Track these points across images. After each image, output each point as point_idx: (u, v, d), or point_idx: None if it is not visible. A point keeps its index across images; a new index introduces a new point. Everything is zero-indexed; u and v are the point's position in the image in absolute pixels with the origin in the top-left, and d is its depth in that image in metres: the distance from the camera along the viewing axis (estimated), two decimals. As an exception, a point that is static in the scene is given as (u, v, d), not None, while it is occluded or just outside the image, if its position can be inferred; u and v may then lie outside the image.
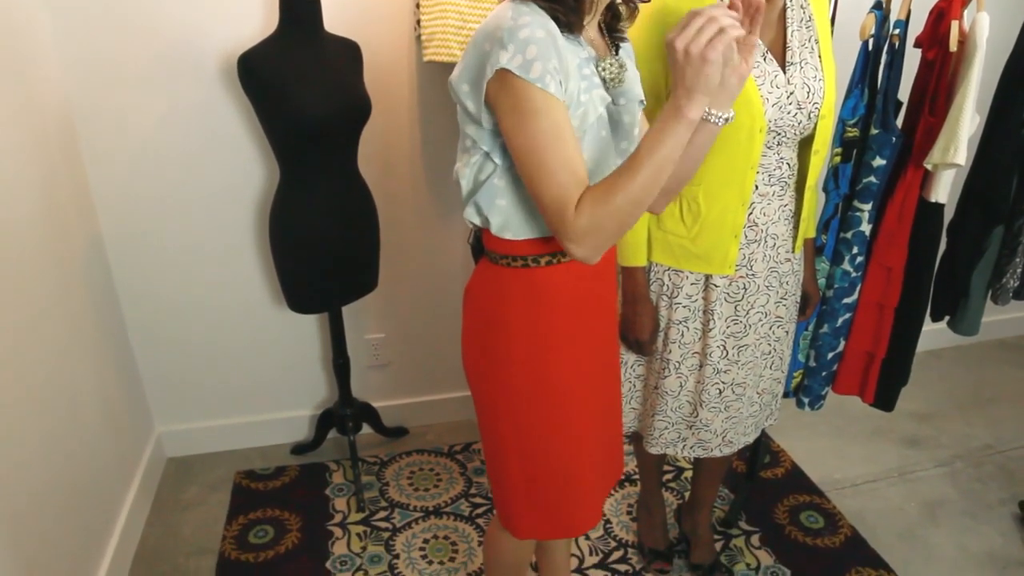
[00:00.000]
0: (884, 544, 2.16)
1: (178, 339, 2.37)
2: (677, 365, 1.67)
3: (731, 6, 1.05)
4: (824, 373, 2.05)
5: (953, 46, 1.65)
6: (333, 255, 2.05)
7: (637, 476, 2.35)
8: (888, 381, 2.02)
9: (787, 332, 1.72)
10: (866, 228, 1.87)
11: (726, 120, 1.08)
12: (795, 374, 2.09)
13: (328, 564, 2.08)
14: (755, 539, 2.18)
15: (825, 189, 1.89)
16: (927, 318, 2.00)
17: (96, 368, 2.03)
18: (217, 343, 2.41)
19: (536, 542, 1.65)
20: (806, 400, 2.10)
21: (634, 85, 1.23)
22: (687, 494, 2.21)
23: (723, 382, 1.67)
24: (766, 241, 1.57)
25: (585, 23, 1.14)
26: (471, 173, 1.21)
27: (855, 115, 1.79)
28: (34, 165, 1.77)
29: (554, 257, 1.24)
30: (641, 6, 1.33)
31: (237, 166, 2.19)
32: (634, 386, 1.77)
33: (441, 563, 2.09)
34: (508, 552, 1.57)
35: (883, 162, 1.79)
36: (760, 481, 2.39)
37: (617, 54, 1.22)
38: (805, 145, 1.58)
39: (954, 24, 1.64)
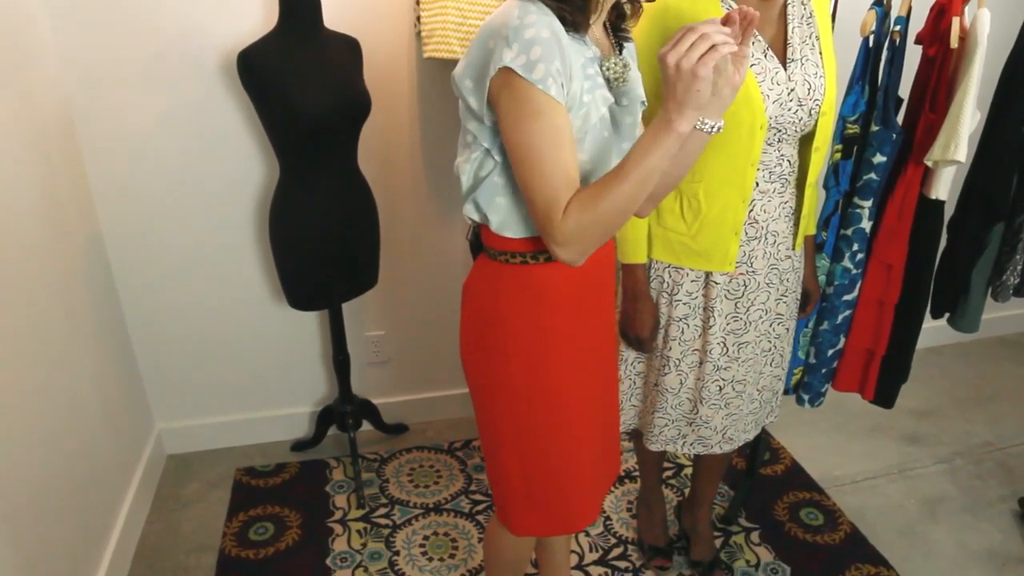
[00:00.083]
0: (884, 541, 2.16)
1: (178, 336, 2.37)
2: (677, 362, 1.67)
3: (726, 21, 1.05)
4: (824, 370, 2.05)
5: (954, 43, 1.65)
6: (333, 252, 2.05)
7: (637, 473, 2.35)
8: (888, 378, 2.02)
9: (787, 329, 1.72)
10: (866, 225, 1.87)
11: (716, 129, 1.09)
12: (795, 371, 2.09)
13: (328, 561, 2.08)
14: (755, 536, 2.18)
15: (825, 186, 1.88)
16: (927, 315, 2.00)
17: (96, 365, 2.03)
18: (217, 340, 2.41)
19: (536, 539, 1.65)
20: (806, 397, 2.10)
21: (636, 86, 1.23)
22: (687, 491, 2.21)
23: (723, 379, 1.67)
24: (766, 238, 1.57)
25: (592, 22, 1.14)
26: (471, 169, 1.21)
27: (856, 112, 1.79)
28: (34, 163, 1.76)
29: None
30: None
31: (237, 163, 2.19)
32: (634, 383, 1.78)
33: (441, 560, 2.09)
34: (508, 549, 1.58)
35: (883, 159, 1.78)
36: (760, 478, 2.39)
37: (621, 54, 1.22)
38: (806, 142, 1.57)
39: (955, 20, 1.64)
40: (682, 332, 1.64)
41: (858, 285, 1.94)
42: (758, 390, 1.73)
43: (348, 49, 1.99)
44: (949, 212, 1.90)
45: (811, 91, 1.48)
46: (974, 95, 1.64)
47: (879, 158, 1.79)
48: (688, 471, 2.43)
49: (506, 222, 1.21)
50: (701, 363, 1.66)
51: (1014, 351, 3.22)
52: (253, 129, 2.16)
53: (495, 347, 1.29)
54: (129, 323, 2.31)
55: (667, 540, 2.11)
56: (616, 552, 2.12)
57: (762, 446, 2.34)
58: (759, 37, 1.45)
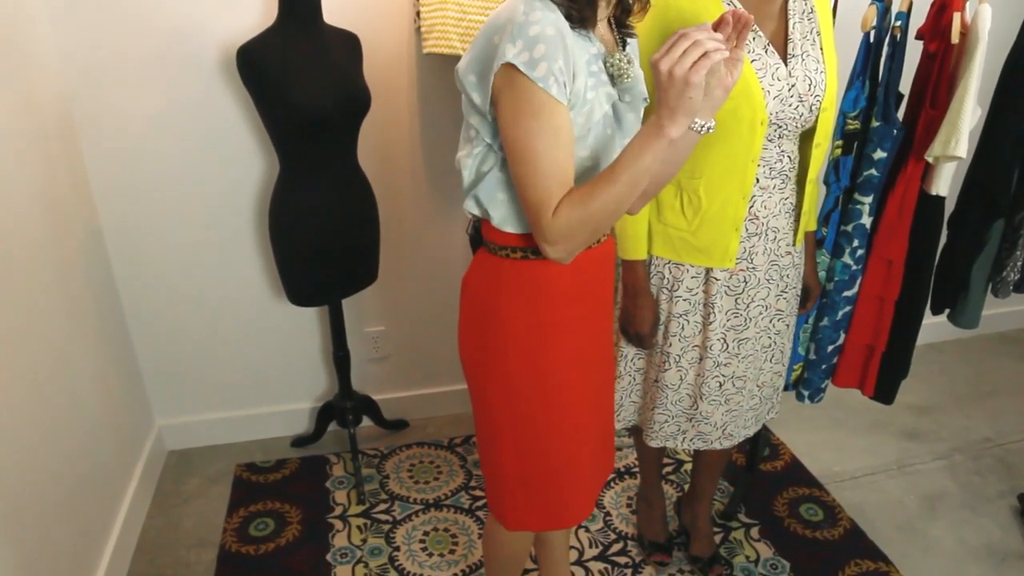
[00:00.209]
0: (883, 537, 2.16)
1: (178, 332, 2.37)
2: (677, 358, 1.67)
3: (719, 23, 1.05)
4: (824, 366, 2.05)
5: (955, 38, 1.64)
6: (333, 248, 2.05)
7: (637, 469, 2.36)
8: (888, 374, 2.02)
9: (787, 325, 1.72)
10: (867, 221, 1.87)
11: (707, 129, 1.10)
12: (795, 367, 2.10)
13: (328, 556, 2.08)
14: (754, 531, 2.19)
15: (826, 182, 1.88)
16: (927, 311, 2.00)
17: (96, 362, 2.03)
18: (217, 336, 2.41)
19: (535, 534, 1.65)
20: (806, 393, 2.11)
21: (639, 82, 1.23)
22: (687, 487, 2.22)
23: (723, 375, 1.67)
24: (767, 234, 1.57)
25: (598, 18, 1.14)
26: (473, 164, 1.21)
27: (856, 107, 1.79)
28: (34, 161, 1.76)
29: None
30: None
31: (237, 159, 2.19)
32: (634, 379, 1.78)
33: (441, 555, 2.09)
34: (506, 544, 1.58)
35: (884, 155, 1.78)
36: (760, 474, 2.40)
37: (624, 50, 1.22)
38: (806, 138, 1.57)
39: (956, 16, 1.63)
40: (682, 328, 1.64)
41: (858, 281, 1.94)
42: (758, 386, 1.73)
43: (348, 45, 1.99)
44: (949, 208, 1.90)
45: (812, 87, 1.48)
46: (975, 91, 1.64)
47: (879, 154, 1.78)
48: (688, 467, 2.44)
49: (507, 217, 1.21)
50: (701, 359, 1.66)
51: (1014, 347, 3.22)
52: (253, 125, 2.15)
53: (494, 341, 1.30)
54: (129, 319, 2.31)
55: (667, 536, 2.11)
56: (616, 548, 2.13)
57: (762, 442, 2.35)
58: (760, 32, 1.45)
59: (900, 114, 1.80)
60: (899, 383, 2.04)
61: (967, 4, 1.67)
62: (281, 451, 2.53)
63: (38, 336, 1.70)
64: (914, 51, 1.77)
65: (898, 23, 1.72)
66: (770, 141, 1.49)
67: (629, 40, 1.25)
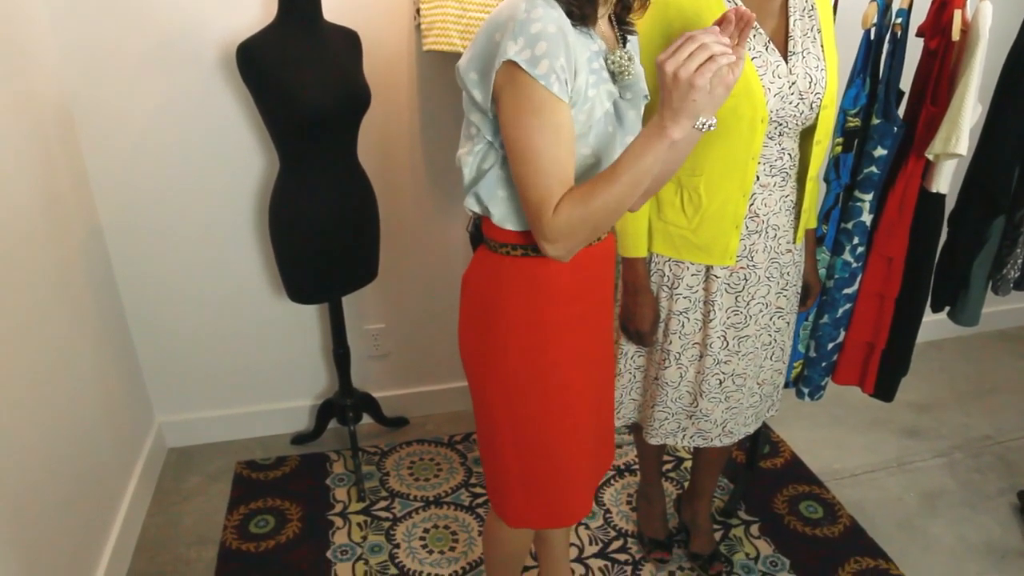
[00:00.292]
0: (883, 534, 2.16)
1: (178, 330, 2.37)
2: (677, 356, 1.67)
3: (720, 23, 1.05)
4: (824, 363, 2.05)
5: (956, 35, 1.64)
6: (333, 245, 2.05)
7: (637, 466, 2.36)
8: (888, 371, 2.02)
9: (788, 323, 1.72)
10: (867, 218, 1.87)
11: (709, 127, 1.10)
12: (795, 364, 2.10)
13: (329, 553, 2.09)
14: (754, 529, 2.19)
15: (826, 179, 1.88)
16: (927, 309, 2.00)
17: (96, 359, 2.03)
18: (217, 333, 2.41)
19: (535, 532, 1.65)
20: (806, 390, 2.11)
21: (640, 79, 1.23)
22: (687, 484, 2.22)
23: (723, 373, 1.67)
24: (767, 232, 1.57)
25: (599, 15, 1.14)
26: (474, 161, 1.21)
27: (857, 105, 1.79)
28: (33, 157, 1.76)
29: None
30: None
31: (236, 156, 2.19)
32: (634, 377, 1.78)
33: (441, 552, 2.09)
34: (506, 542, 1.58)
35: (884, 152, 1.78)
36: (760, 471, 2.40)
37: (625, 47, 1.22)
38: (806, 135, 1.57)
39: (957, 13, 1.63)
40: (682, 326, 1.64)
41: (858, 278, 1.94)
42: (758, 384, 1.73)
43: (348, 42, 1.99)
44: (950, 206, 1.90)
45: (812, 84, 1.48)
46: (975, 88, 1.64)
47: (880, 151, 1.78)
48: (688, 464, 2.44)
49: (508, 215, 1.21)
50: (701, 357, 1.66)
51: (1014, 345, 3.22)
52: (253, 122, 2.15)
53: (494, 339, 1.30)
54: (129, 317, 2.31)
55: (667, 533, 2.11)
56: (616, 545, 2.13)
57: (762, 439, 2.35)
58: (760, 30, 1.44)
59: (900, 111, 1.80)
60: (899, 380, 2.04)
61: (968, 1, 1.66)
62: (281, 448, 2.53)
63: (38, 334, 1.70)
64: (915, 48, 1.77)
65: (899, 20, 1.72)
66: (770, 139, 1.49)
67: (629, 37, 1.25)
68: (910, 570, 2.04)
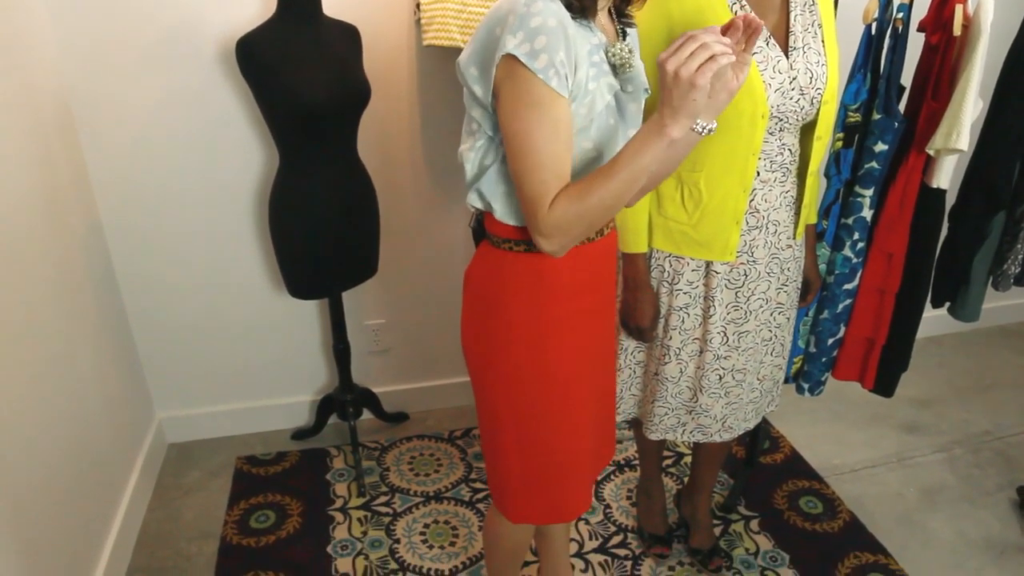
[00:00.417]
0: (882, 529, 2.17)
1: (178, 325, 2.37)
2: (677, 351, 1.67)
3: (727, 29, 1.05)
4: (824, 359, 2.05)
5: (957, 30, 1.64)
6: (333, 241, 2.05)
7: (637, 461, 2.36)
8: (888, 367, 2.02)
9: (788, 318, 1.72)
10: (867, 214, 1.87)
11: (709, 131, 1.10)
12: (795, 360, 2.09)
13: (329, 549, 2.09)
14: (754, 524, 2.19)
15: (826, 174, 1.88)
16: (928, 304, 2.00)
17: (97, 355, 2.03)
18: (217, 329, 2.41)
19: (535, 527, 1.66)
20: (806, 386, 2.11)
21: (641, 72, 1.23)
22: (687, 479, 2.22)
23: (723, 368, 1.67)
24: (767, 227, 1.57)
25: (599, 8, 1.14)
26: (476, 157, 1.21)
27: (857, 100, 1.78)
28: (32, 151, 1.76)
29: None
30: None
31: (236, 152, 2.18)
32: (634, 372, 1.78)
33: (442, 548, 2.10)
34: (506, 537, 1.58)
35: (885, 147, 1.78)
36: (759, 466, 2.40)
37: (625, 39, 1.22)
38: (807, 131, 1.57)
39: (958, 8, 1.63)
40: (682, 321, 1.64)
41: (859, 274, 1.94)
42: (758, 379, 1.73)
43: (347, 37, 1.98)
44: (950, 201, 1.90)
45: (813, 80, 1.47)
46: (977, 83, 1.63)
47: (881, 146, 1.78)
48: (688, 460, 2.44)
49: (510, 210, 1.21)
50: (701, 352, 1.66)
51: (1014, 340, 3.22)
52: (252, 117, 2.15)
53: (496, 334, 1.29)
54: (129, 312, 2.31)
55: (667, 528, 2.11)
56: (616, 540, 2.13)
57: (762, 435, 2.35)
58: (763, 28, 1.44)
59: (901, 106, 1.80)
60: (899, 376, 2.04)
61: (969, -4, 1.66)
62: (281, 444, 2.54)
63: (38, 330, 1.70)
64: (916, 43, 1.76)
65: (900, 15, 1.71)
66: (771, 134, 1.49)
67: (629, 30, 1.25)
68: (909, 565, 2.04)
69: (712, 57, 0.97)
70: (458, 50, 1.94)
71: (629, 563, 2.05)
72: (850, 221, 1.88)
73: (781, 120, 1.47)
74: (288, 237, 2.03)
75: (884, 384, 2.05)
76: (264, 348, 2.47)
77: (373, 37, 2.10)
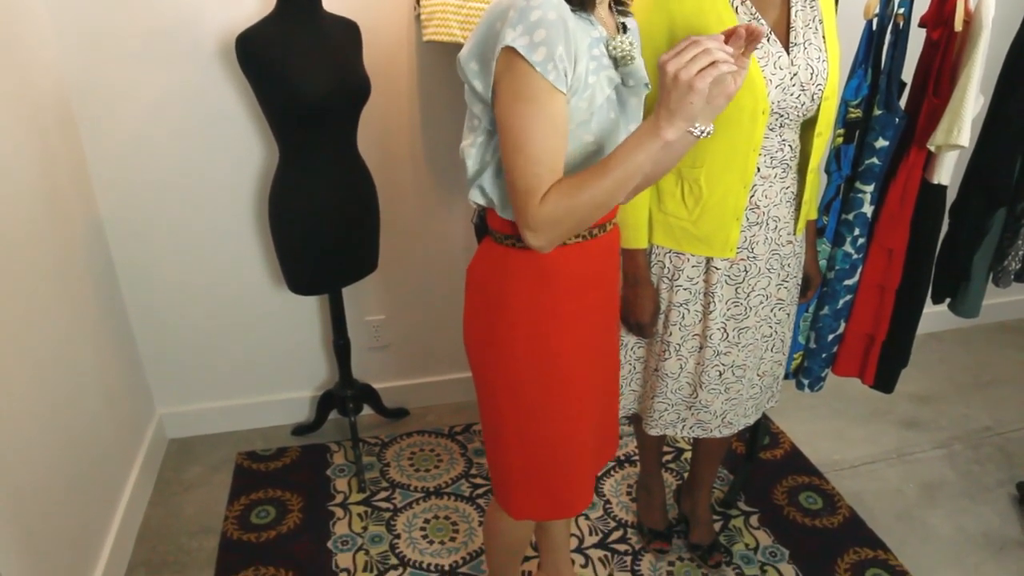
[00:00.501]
0: (882, 525, 2.17)
1: (178, 321, 2.37)
2: (677, 347, 1.67)
3: (730, 36, 1.05)
4: (824, 355, 2.05)
5: (958, 26, 1.63)
6: (333, 236, 2.05)
7: (637, 457, 2.36)
8: (888, 363, 2.02)
9: (788, 314, 1.72)
10: (868, 210, 1.86)
11: (705, 134, 1.10)
12: (795, 356, 2.10)
13: (330, 544, 2.09)
14: (754, 519, 2.19)
15: (827, 170, 1.88)
16: (928, 300, 2.00)
17: (97, 350, 2.03)
18: (218, 325, 2.41)
19: (536, 522, 1.66)
20: (806, 382, 2.11)
21: (641, 67, 1.23)
22: (686, 475, 2.22)
23: (723, 364, 1.67)
24: (768, 224, 1.57)
25: (599, 1, 1.14)
26: (477, 153, 1.20)
27: (858, 96, 1.78)
28: (31, 146, 1.76)
29: None
30: None
31: (236, 147, 2.18)
32: (634, 368, 1.78)
33: (442, 543, 2.10)
34: (507, 532, 1.59)
35: (886, 143, 1.77)
36: (759, 462, 2.40)
37: (625, 32, 1.21)
38: (807, 127, 1.56)
39: (960, 3, 1.62)
40: (682, 317, 1.64)
41: (859, 270, 1.93)
42: (758, 375, 1.73)
43: (347, 32, 1.98)
44: (951, 197, 1.89)
45: (814, 76, 1.47)
46: (978, 79, 1.63)
47: (881, 142, 1.78)
48: (688, 455, 2.44)
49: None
50: (701, 348, 1.66)
51: (1014, 337, 3.22)
52: (252, 113, 2.15)
53: (499, 331, 1.29)
54: (129, 308, 2.31)
55: (666, 524, 2.12)
56: (616, 535, 2.13)
57: (761, 430, 2.35)
58: (762, 20, 1.44)
59: (902, 102, 1.79)
60: (899, 372, 2.04)
61: (971, -9, 1.65)
62: (282, 439, 2.54)
63: (39, 326, 1.70)
64: (917, 39, 1.76)
65: (901, 11, 1.71)
66: (771, 130, 1.49)
67: (629, 24, 1.24)
68: (909, 561, 2.05)
69: (713, 63, 0.98)
70: (458, 46, 1.93)
71: (629, 558, 2.06)
72: (851, 217, 1.88)
73: (782, 116, 1.47)
74: (288, 233, 2.03)
75: (884, 380, 2.05)
76: (264, 344, 2.48)
77: (373, 33, 2.09)
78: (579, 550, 2.08)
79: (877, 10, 1.73)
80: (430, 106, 2.26)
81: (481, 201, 1.25)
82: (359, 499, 2.26)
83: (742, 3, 1.42)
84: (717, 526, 2.16)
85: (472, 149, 1.21)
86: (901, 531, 2.16)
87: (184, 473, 2.38)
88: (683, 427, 1.77)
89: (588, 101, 1.12)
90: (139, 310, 2.32)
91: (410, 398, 2.68)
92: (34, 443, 1.62)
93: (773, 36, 1.44)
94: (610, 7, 1.22)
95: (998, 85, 1.85)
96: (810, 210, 1.69)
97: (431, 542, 2.10)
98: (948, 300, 2.09)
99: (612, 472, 2.38)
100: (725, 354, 1.66)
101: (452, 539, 2.11)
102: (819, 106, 1.51)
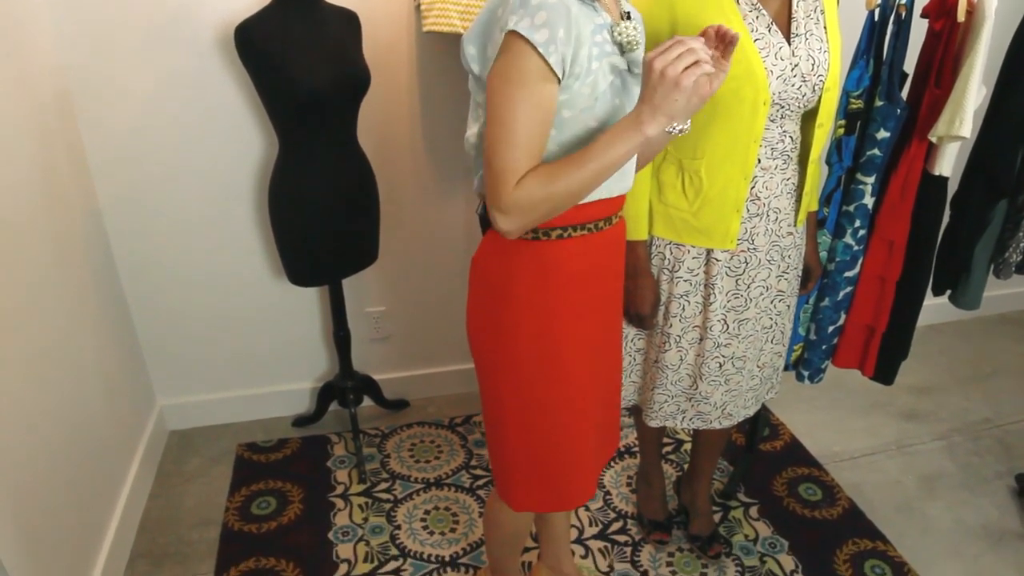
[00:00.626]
0: (881, 516, 2.17)
1: (178, 312, 2.37)
2: (678, 339, 1.67)
3: (704, 34, 1.09)
4: (824, 346, 2.05)
5: (961, 16, 1.63)
6: (333, 228, 2.04)
7: (637, 448, 2.37)
8: (888, 355, 2.02)
9: (788, 306, 1.72)
10: (869, 201, 1.86)
11: (681, 131, 1.11)
12: (795, 347, 2.10)
13: (330, 535, 2.10)
14: (753, 511, 2.20)
15: (828, 161, 1.87)
16: (928, 292, 2.00)
17: (97, 342, 2.03)
18: (218, 316, 2.41)
19: (536, 513, 1.66)
20: (806, 373, 2.11)
21: (642, 54, 1.22)
22: (686, 466, 2.23)
23: (723, 356, 1.67)
24: (768, 215, 1.56)
25: None
26: (481, 143, 1.20)
27: (860, 86, 1.77)
28: (30, 136, 1.75)
29: (565, 231, 1.23)
30: None
31: (236, 138, 2.18)
32: (634, 359, 1.78)
33: (442, 534, 2.11)
34: (507, 523, 1.59)
35: (887, 134, 1.77)
36: (759, 453, 2.41)
37: (630, 19, 1.21)
38: (808, 118, 1.56)
39: (962, -6, 1.62)
40: (683, 309, 1.64)
41: (859, 261, 1.93)
42: (758, 367, 1.73)
43: (347, 23, 1.97)
44: (952, 189, 1.89)
45: (815, 66, 1.46)
46: (980, 70, 1.62)
47: (883, 133, 1.77)
48: (687, 446, 2.45)
49: None
50: (701, 340, 1.66)
51: (1014, 329, 3.22)
52: (252, 103, 2.14)
53: (503, 322, 1.29)
54: (129, 299, 2.31)
55: (666, 515, 2.12)
56: (616, 526, 2.14)
57: (761, 422, 2.36)
58: (763, 11, 1.43)
59: (904, 93, 1.79)
60: (899, 364, 2.04)
61: (973, -18, 1.64)
62: (282, 431, 2.54)
63: (38, 317, 1.70)
64: (919, 30, 1.75)
65: (903, 1, 1.70)
66: (772, 121, 1.48)
67: (633, 11, 1.24)
68: (908, 552, 2.05)
69: (697, 62, 1.01)
70: (458, 36, 1.93)
71: (629, 549, 2.06)
72: (851, 208, 1.88)
73: (783, 107, 1.47)
74: (288, 224, 2.03)
75: (884, 372, 2.05)
76: (264, 335, 2.48)
77: (373, 23, 2.09)
78: (579, 541, 2.09)
79: (879, 1, 1.72)
80: (430, 97, 2.26)
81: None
82: (359, 490, 2.27)
83: (744, -6, 1.41)
84: (717, 517, 2.17)
85: (476, 139, 1.21)
86: (900, 523, 2.16)
87: (185, 464, 2.39)
88: (683, 418, 1.77)
89: (591, 87, 1.12)
90: (139, 302, 2.32)
91: (410, 389, 2.68)
92: (35, 436, 1.62)
93: (774, 27, 1.44)
94: None
95: (1000, 76, 1.84)
96: (811, 201, 1.69)
97: (431, 533, 2.11)
98: (949, 292, 2.09)
99: (612, 463, 2.38)
100: (725, 345, 1.66)
101: (452, 530, 2.12)
102: (820, 97, 1.50)
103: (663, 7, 1.41)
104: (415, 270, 2.51)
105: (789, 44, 1.45)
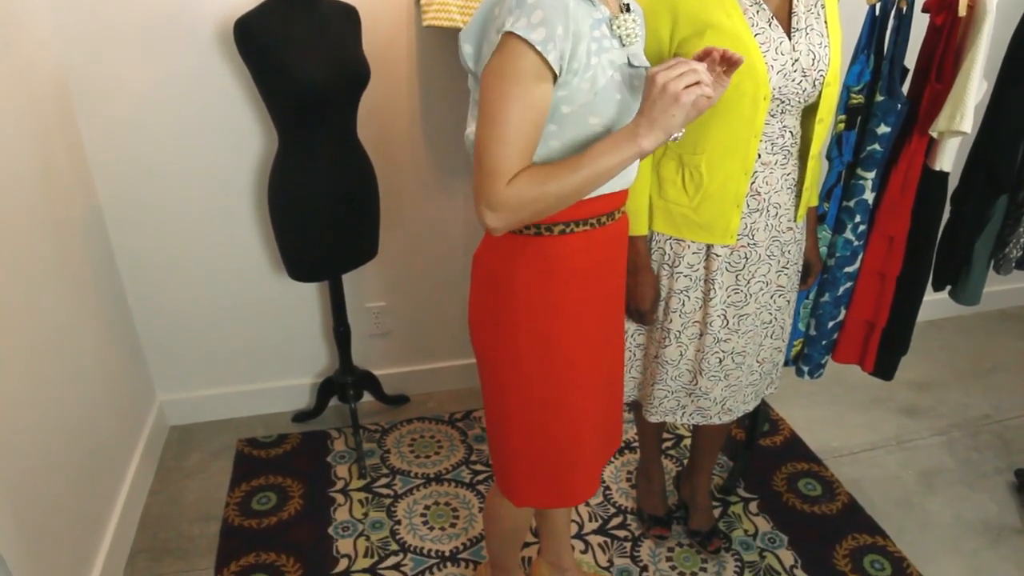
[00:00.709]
0: (881, 512, 2.18)
1: (178, 308, 2.37)
2: (677, 334, 1.67)
3: (705, 55, 1.10)
4: (824, 342, 2.05)
5: (962, 11, 1.62)
6: (333, 223, 2.04)
7: (636, 443, 2.37)
8: (888, 350, 2.02)
9: (788, 301, 1.72)
10: (869, 196, 1.86)
11: (674, 139, 1.12)
12: (795, 343, 2.10)
13: (330, 530, 2.10)
14: (753, 506, 2.20)
15: (828, 156, 1.87)
16: (928, 288, 2.00)
17: (97, 337, 2.03)
18: (218, 312, 2.41)
19: (536, 509, 1.66)
20: (806, 369, 2.11)
21: (642, 48, 1.22)
22: (686, 461, 2.23)
23: (723, 351, 1.67)
24: (768, 210, 1.56)
25: None
26: None
27: (860, 81, 1.77)
28: (29, 132, 1.75)
29: (567, 226, 1.23)
30: None
31: (235, 132, 2.17)
32: (634, 355, 1.78)
33: (442, 529, 2.11)
34: (507, 518, 1.59)
35: (888, 129, 1.77)
36: (759, 449, 2.41)
37: (630, 12, 1.21)
38: (809, 113, 1.56)
39: (963, -12, 1.61)
40: (683, 304, 1.64)
41: (860, 257, 1.93)
42: (758, 362, 1.73)
43: (346, 17, 1.97)
44: (953, 184, 1.89)
45: (816, 61, 1.46)
46: (981, 65, 1.62)
47: (883, 129, 1.77)
48: (687, 442, 2.45)
49: None
50: (701, 335, 1.66)
51: (1014, 324, 3.22)
52: (251, 98, 2.14)
53: (505, 318, 1.29)
54: (129, 295, 2.31)
55: (666, 510, 2.12)
56: (615, 521, 2.14)
57: (761, 417, 2.36)
58: (764, 6, 1.43)
59: (905, 88, 1.78)
60: (899, 359, 2.04)
61: (975, -24, 1.64)
62: (282, 426, 2.54)
63: (38, 313, 1.70)
64: (920, 24, 1.75)
65: (904, -4, 1.70)
66: (772, 116, 1.48)
67: (632, 4, 1.24)
68: (907, 547, 2.05)
69: (698, 83, 1.03)
70: (458, 31, 1.92)
71: (629, 544, 2.07)
72: (852, 204, 1.88)
73: (783, 102, 1.46)
74: (287, 219, 2.03)
75: (884, 367, 2.05)
76: (264, 330, 2.48)
77: (372, 17, 2.08)
78: (579, 536, 2.09)
79: (880, -5, 1.72)
80: (430, 92, 2.25)
81: None
82: (360, 485, 2.27)
83: (744, -12, 1.41)
84: (716, 512, 2.17)
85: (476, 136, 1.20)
86: (900, 518, 2.16)
87: (185, 460, 2.39)
88: (683, 414, 1.77)
89: (590, 82, 1.12)
90: (139, 297, 2.32)
91: (410, 385, 2.68)
92: (35, 432, 1.62)
93: (775, 21, 1.43)
94: None
95: (1001, 71, 1.84)
96: (811, 197, 1.69)
97: (431, 528, 2.11)
98: (949, 288, 2.09)
99: (612, 459, 2.39)
100: (725, 341, 1.66)
101: (452, 525, 2.12)
102: (820, 92, 1.50)
103: (664, 2, 1.40)
104: (415, 265, 2.51)
105: (790, 39, 1.44)
